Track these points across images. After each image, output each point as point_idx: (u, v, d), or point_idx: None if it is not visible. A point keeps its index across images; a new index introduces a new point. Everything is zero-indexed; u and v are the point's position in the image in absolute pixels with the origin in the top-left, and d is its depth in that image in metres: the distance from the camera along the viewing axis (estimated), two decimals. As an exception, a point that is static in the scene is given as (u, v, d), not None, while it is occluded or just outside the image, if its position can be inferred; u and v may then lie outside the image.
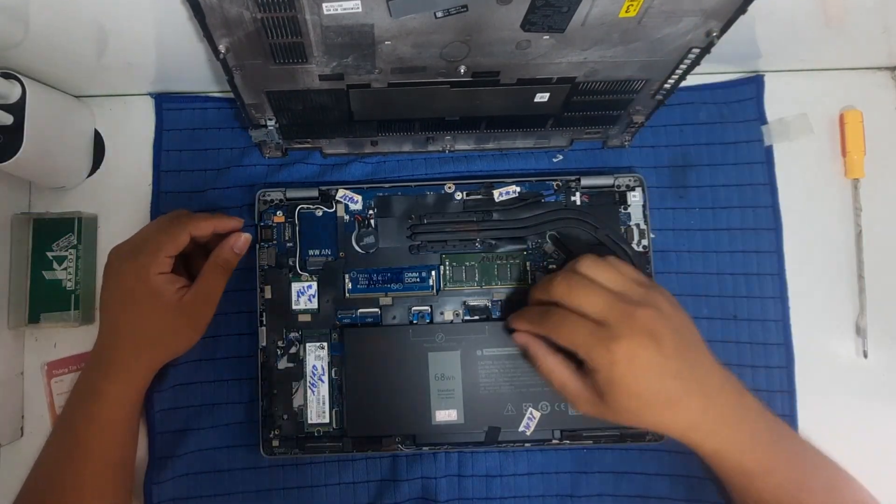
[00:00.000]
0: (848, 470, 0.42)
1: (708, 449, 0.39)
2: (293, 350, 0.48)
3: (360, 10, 0.32)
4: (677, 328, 0.39)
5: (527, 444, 0.47)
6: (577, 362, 0.41)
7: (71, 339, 0.50)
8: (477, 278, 0.49)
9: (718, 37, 0.36)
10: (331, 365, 0.48)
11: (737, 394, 0.40)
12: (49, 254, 0.50)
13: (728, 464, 0.39)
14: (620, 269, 0.42)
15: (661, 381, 0.38)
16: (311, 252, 0.49)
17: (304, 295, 0.48)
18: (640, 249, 0.49)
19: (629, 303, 0.39)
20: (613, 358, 0.37)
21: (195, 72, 0.48)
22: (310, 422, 0.47)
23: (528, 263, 0.49)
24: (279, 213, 0.49)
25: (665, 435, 0.40)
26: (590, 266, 0.41)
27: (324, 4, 0.32)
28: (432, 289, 0.49)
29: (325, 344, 0.48)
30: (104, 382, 0.43)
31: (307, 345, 0.48)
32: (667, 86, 0.42)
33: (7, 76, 0.43)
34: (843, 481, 0.40)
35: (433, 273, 0.49)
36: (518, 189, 0.49)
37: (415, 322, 0.48)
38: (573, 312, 0.40)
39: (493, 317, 0.48)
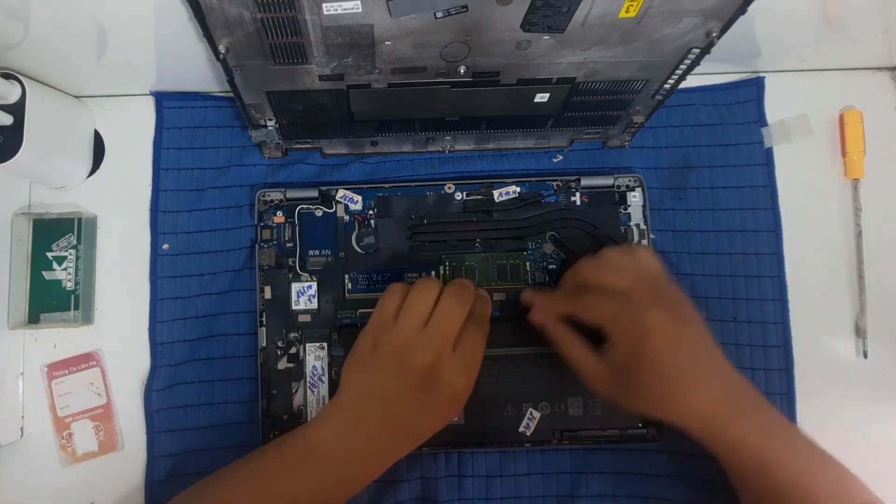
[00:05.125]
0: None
1: (726, 441, 0.39)
2: (293, 350, 0.48)
3: (360, 10, 0.32)
4: (697, 318, 0.40)
5: (527, 445, 0.47)
6: (594, 345, 0.41)
7: (71, 339, 0.50)
8: (477, 278, 0.49)
9: (718, 37, 0.36)
10: (330, 365, 0.48)
11: (749, 389, 0.40)
12: (49, 254, 0.50)
13: (744, 456, 0.39)
14: (644, 258, 0.42)
15: (685, 361, 0.38)
16: (311, 252, 0.49)
17: (304, 295, 0.48)
18: (640, 250, 0.49)
19: (656, 284, 0.40)
20: (642, 328, 0.38)
21: (195, 72, 0.48)
22: (309, 422, 0.47)
23: (528, 263, 0.49)
24: (279, 213, 0.49)
25: (679, 426, 0.39)
26: (615, 252, 0.42)
27: (324, 4, 0.32)
28: (432, 289, 0.49)
29: (325, 344, 0.48)
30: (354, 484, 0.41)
31: (307, 345, 0.48)
32: (667, 86, 0.43)
33: (7, 76, 0.43)
34: (851, 480, 0.40)
35: (433, 273, 0.49)
36: (518, 189, 0.49)
37: (415, 322, 0.48)
38: (601, 292, 0.40)
39: (494, 317, 0.48)
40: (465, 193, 0.49)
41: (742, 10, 0.34)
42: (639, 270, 0.41)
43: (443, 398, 0.40)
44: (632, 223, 0.49)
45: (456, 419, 0.46)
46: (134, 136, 0.52)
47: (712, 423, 0.38)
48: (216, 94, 0.52)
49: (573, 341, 0.42)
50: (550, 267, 0.49)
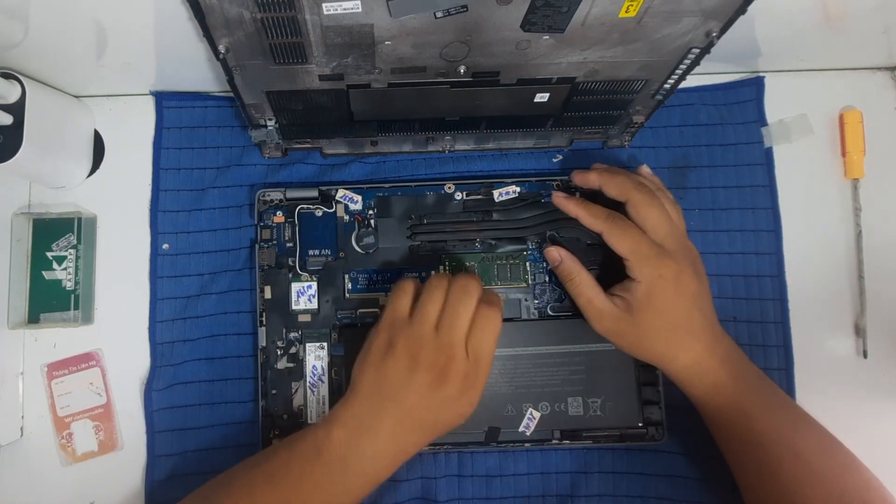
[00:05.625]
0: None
1: (706, 384, 0.42)
2: (293, 350, 0.48)
3: (360, 10, 0.32)
4: (706, 278, 0.44)
5: (527, 444, 0.47)
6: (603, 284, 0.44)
7: (71, 339, 0.50)
8: (477, 278, 0.49)
9: (718, 37, 0.36)
10: (330, 365, 0.48)
11: (733, 345, 0.44)
12: (49, 254, 0.50)
13: (725, 400, 0.42)
14: (680, 214, 0.45)
15: (692, 309, 0.42)
16: (311, 252, 0.49)
17: (304, 295, 0.48)
18: (640, 250, 0.49)
19: (685, 237, 0.44)
20: (663, 273, 0.41)
21: (195, 72, 0.48)
22: (310, 422, 0.47)
23: (528, 263, 0.49)
24: (279, 213, 0.49)
25: (660, 367, 0.44)
26: (667, 197, 0.45)
27: (324, 4, 0.32)
28: (432, 289, 0.49)
29: (324, 344, 0.48)
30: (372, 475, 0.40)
31: (307, 345, 0.48)
32: (667, 86, 0.43)
33: (7, 76, 0.43)
34: (832, 439, 0.41)
35: (433, 273, 0.49)
36: (518, 189, 0.49)
37: (415, 322, 0.48)
38: (636, 225, 0.43)
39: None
40: (465, 193, 0.49)
41: (742, 10, 0.34)
42: (679, 220, 0.44)
43: (457, 391, 0.40)
44: (632, 223, 0.49)
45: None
46: (134, 135, 0.52)
47: (695, 367, 0.42)
48: (216, 94, 0.52)
49: (589, 279, 0.45)
50: (550, 268, 0.49)
